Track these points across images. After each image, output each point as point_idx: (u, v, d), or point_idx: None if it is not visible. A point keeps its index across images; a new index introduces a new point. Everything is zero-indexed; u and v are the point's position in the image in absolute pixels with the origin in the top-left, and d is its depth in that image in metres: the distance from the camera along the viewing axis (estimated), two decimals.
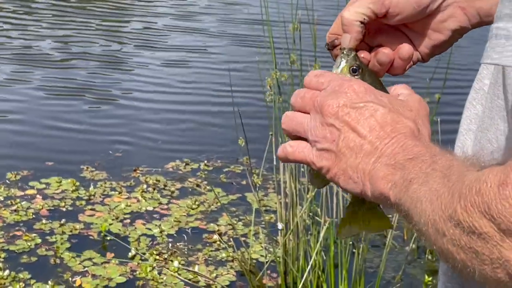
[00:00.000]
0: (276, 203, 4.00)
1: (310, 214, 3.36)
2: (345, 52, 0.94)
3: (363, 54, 0.98)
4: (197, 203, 4.09)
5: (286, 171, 3.25)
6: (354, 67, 0.94)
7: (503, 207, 0.65)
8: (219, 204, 4.06)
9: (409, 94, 0.92)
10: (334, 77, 0.91)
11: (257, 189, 3.40)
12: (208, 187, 4.26)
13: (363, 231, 0.98)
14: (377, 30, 1.01)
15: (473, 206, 0.67)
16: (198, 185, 4.30)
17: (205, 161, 4.58)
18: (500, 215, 0.65)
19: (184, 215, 3.98)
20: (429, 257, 3.65)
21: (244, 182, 4.32)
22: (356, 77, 0.93)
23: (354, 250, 3.35)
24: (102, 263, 3.51)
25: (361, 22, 0.97)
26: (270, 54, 3.16)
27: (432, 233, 0.73)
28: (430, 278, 3.42)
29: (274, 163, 3.31)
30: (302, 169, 3.33)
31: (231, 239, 3.73)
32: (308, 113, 0.91)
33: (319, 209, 3.40)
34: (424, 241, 0.76)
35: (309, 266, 3.19)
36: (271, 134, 3.28)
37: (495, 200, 0.66)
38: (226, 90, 5.75)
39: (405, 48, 0.99)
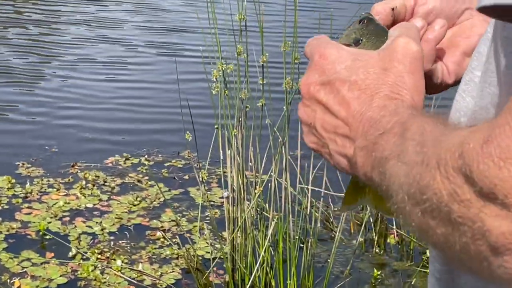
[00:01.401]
0: (221, 197, 3.92)
1: (258, 209, 3.29)
2: (363, 15, 0.89)
3: None
4: (138, 199, 3.97)
5: (233, 165, 3.16)
6: (364, 17, 0.88)
7: (486, 167, 0.56)
8: (161, 199, 3.95)
9: (392, 41, 0.82)
10: (314, 46, 0.85)
11: (202, 183, 3.31)
12: (149, 182, 4.15)
13: (369, 204, 0.91)
14: None
15: (455, 171, 0.59)
16: (139, 181, 4.19)
17: (146, 156, 4.47)
18: (483, 177, 0.57)
19: (126, 212, 3.86)
20: (377, 250, 3.62)
21: (186, 177, 4.23)
22: (362, 25, 0.87)
23: (302, 245, 3.30)
24: (41, 264, 3.37)
25: (392, 9, 0.91)
26: (215, 45, 3.07)
27: (410, 209, 0.65)
28: (379, 272, 3.39)
29: (221, 157, 3.22)
30: (250, 164, 3.25)
31: (175, 236, 3.63)
32: None
33: (266, 205, 3.33)
34: (404, 222, 0.68)
35: (257, 263, 3.12)
36: (217, 128, 3.19)
37: (477, 160, 0.57)
38: (167, 82, 5.65)
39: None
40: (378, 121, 0.75)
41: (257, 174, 3.25)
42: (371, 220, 3.66)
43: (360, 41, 0.87)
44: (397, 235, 3.65)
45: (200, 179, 3.24)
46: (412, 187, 0.64)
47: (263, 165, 3.27)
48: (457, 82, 0.94)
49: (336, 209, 3.82)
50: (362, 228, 3.56)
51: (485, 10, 0.63)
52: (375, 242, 3.62)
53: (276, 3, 6.66)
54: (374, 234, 3.63)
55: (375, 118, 0.75)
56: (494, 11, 0.62)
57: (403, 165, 0.67)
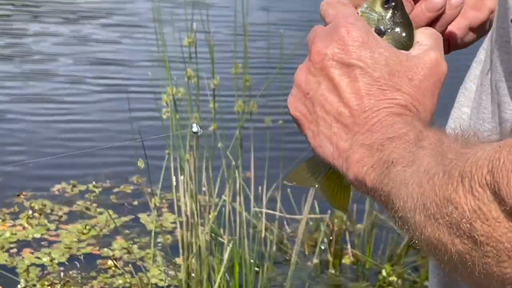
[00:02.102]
0: (172, 223, 3.85)
1: (212, 234, 3.23)
2: None
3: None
4: (88, 227, 3.88)
5: (186, 191, 3.11)
6: None
7: None
8: (111, 227, 3.87)
9: (425, 51, 0.77)
10: (341, 12, 0.78)
11: (154, 209, 3.25)
12: (98, 210, 4.06)
13: (323, 192, 0.84)
14: None
15: (482, 187, 0.55)
16: (87, 208, 4.09)
17: (93, 182, 4.37)
18: None
19: (75, 241, 3.76)
20: (332, 271, 3.59)
21: (136, 203, 4.15)
22: (387, 11, 0.80)
23: (258, 269, 3.26)
24: None
25: None
26: (165, 69, 3.02)
27: (421, 221, 0.61)
28: None
29: (173, 183, 3.17)
30: (203, 189, 3.20)
31: (127, 264, 3.55)
32: None
33: (221, 229, 3.28)
34: (407, 231, 0.64)
35: None
36: (168, 153, 3.14)
37: (508, 177, 0.53)
38: (116, 108, 5.55)
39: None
40: (390, 125, 0.71)
41: (210, 199, 3.20)
42: (326, 241, 3.64)
43: (383, 34, 0.79)
44: (352, 255, 3.63)
45: (152, 205, 3.17)
46: (428, 198, 0.60)
47: (216, 189, 3.23)
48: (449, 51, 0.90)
49: (290, 231, 3.79)
50: (317, 249, 3.54)
51: None
52: (331, 263, 3.60)
53: (225, 26, 6.64)
54: (329, 255, 3.60)
55: (387, 121, 0.71)
56: None
57: (416, 173, 0.63)
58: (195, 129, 2.81)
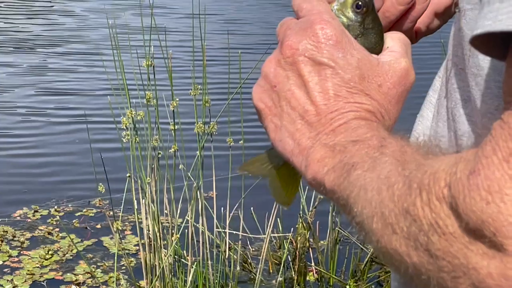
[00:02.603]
0: (135, 245, 3.83)
1: (176, 256, 3.23)
2: None
3: None
4: (50, 252, 3.84)
5: (148, 213, 3.10)
6: (360, 3, 0.79)
7: (473, 201, 0.52)
8: (74, 251, 3.83)
9: (396, 59, 0.76)
10: (316, 7, 0.76)
11: (116, 233, 3.23)
12: (61, 234, 4.02)
13: (272, 182, 0.83)
14: None
15: (439, 201, 0.54)
16: (49, 233, 4.05)
17: (55, 207, 4.33)
18: (469, 211, 0.52)
19: (38, 267, 3.72)
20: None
21: (99, 226, 4.12)
22: (358, 15, 0.78)
23: None
24: None
25: None
26: (124, 92, 3.02)
27: (378, 229, 0.60)
28: None
29: (135, 206, 3.16)
30: (165, 210, 3.20)
31: None
32: None
33: (184, 251, 3.28)
34: (365, 237, 0.63)
35: None
36: (129, 176, 3.13)
37: (464, 192, 0.53)
38: (76, 131, 5.51)
39: None
40: (354, 129, 0.70)
41: (173, 220, 3.20)
42: (290, 259, 3.65)
43: (355, 39, 0.78)
44: (316, 272, 3.65)
45: (114, 229, 3.15)
46: (386, 207, 0.59)
47: (178, 210, 3.22)
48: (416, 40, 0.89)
49: (254, 249, 3.79)
50: (281, 267, 3.54)
51: (477, 43, 0.58)
52: (295, 280, 3.60)
53: (183, 51, 6.64)
54: (293, 273, 3.61)
55: (352, 125, 0.71)
56: (486, 43, 0.57)
57: (376, 180, 0.62)
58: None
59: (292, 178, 0.81)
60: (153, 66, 2.95)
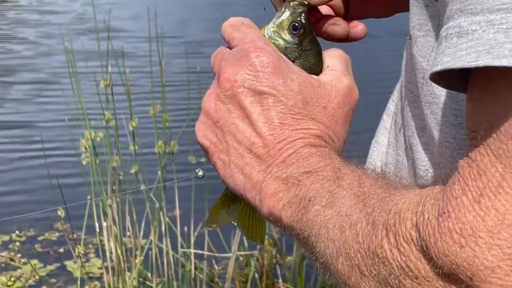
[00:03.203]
0: (99, 268, 3.77)
1: (140, 278, 3.18)
2: (293, 4, 0.76)
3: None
4: (12, 279, 3.76)
5: (110, 236, 3.05)
6: (296, 24, 0.75)
7: (446, 245, 0.50)
8: (37, 277, 3.76)
9: (337, 78, 0.74)
10: (248, 35, 0.73)
11: (78, 257, 3.17)
12: (23, 260, 3.95)
13: (239, 225, 0.80)
14: None
15: (408, 243, 0.52)
16: (11, 259, 3.97)
17: (17, 231, 4.25)
18: (442, 256, 0.50)
19: None
20: None
21: (62, 250, 4.05)
22: (295, 37, 0.75)
23: None
24: None
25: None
26: (82, 114, 2.97)
27: (344, 270, 0.58)
28: None
29: (96, 229, 3.10)
30: (128, 232, 3.15)
31: None
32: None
33: (149, 273, 3.23)
34: (330, 277, 0.60)
35: None
36: (90, 199, 3.07)
37: (434, 235, 0.51)
38: (34, 156, 5.42)
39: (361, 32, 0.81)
40: (306, 158, 0.68)
41: (136, 242, 3.15)
42: (257, 276, 3.61)
43: (292, 61, 0.75)
44: None
45: (76, 253, 3.10)
46: (351, 247, 0.57)
47: (142, 232, 3.17)
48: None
49: (220, 268, 3.75)
50: (248, 285, 3.51)
51: (437, 78, 0.56)
52: None
53: (142, 65, 6.60)
54: None
55: (303, 154, 0.69)
56: (445, 78, 0.56)
57: (337, 217, 0.60)
58: (200, 173, 2.76)
59: (254, 216, 0.79)
60: (111, 87, 2.91)
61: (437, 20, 0.66)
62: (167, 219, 3.12)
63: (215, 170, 0.74)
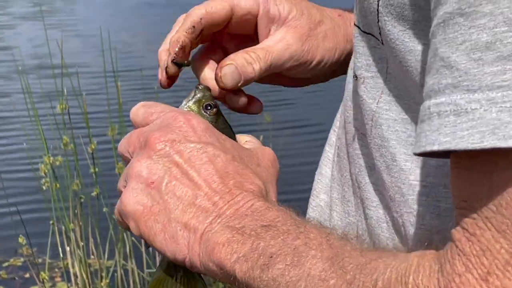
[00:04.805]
0: None
1: None
2: (201, 88, 0.78)
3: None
4: None
5: (74, 260, 3.03)
6: (210, 104, 0.77)
7: None
8: None
9: (259, 146, 0.75)
10: (169, 109, 0.73)
11: (42, 284, 3.15)
12: None
13: None
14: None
15: None
16: None
17: None
18: None
19: None
20: None
21: (27, 275, 4.01)
22: (210, 116, 0.77)
23: None
24: None
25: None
26: (39, 138, 2.95)
27: None
28: None
29: (60, 253, 3.08)
30: (92, 256, 3.13)
31: None
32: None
33: None
34: None
35: None
36: (52, 223, 3.05)
37: None
38: None
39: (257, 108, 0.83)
40: (261, 211, 0.64)
41: (101, 264, 3.13)
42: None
43: None
44: None
45: (41, 279, 3.07)
46: None
47: (106, 253, 3.16)
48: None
49: None
50: None
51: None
52: None
53: (99, 89, 6.55)
54: None
55: (256, 206, 0.65)
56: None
57: (307, 279, 0.56)
58: None
59: (193, 282, 0.74)
60: (68, 110, 2.90)
61: (386, 62, 0.65)
62: (132, 238, 3.11)
63: (148, 240, 0.68)
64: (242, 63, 0.77)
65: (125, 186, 0.71)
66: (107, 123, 3.09)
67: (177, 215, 0.66)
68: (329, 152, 0.82)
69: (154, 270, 3.27)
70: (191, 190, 0.67)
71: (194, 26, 0.77)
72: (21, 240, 2.67)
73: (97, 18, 8.88)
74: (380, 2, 0.60)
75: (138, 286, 3.14)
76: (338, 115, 0.81)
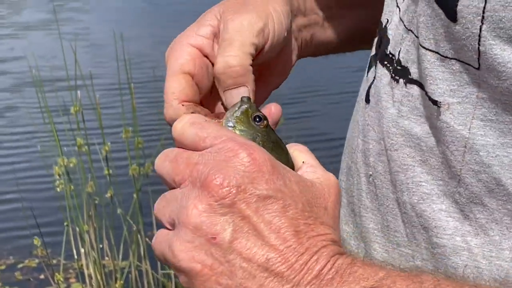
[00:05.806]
0: None
1: None
2: (245, 100, 0.68)
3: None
4: None
5: (89, 261, 3.04)
6: (259, 116, 0.67)
7: None
8: None
9: (323, 175, 0.65)
10: (225, 135, 0.62)
11: (58, 283, 3.16)
12: None
13: None
14: None
15: None
16: None
17: None
18: None
19: None
20: None
21: (42, 276, 4.03)
22: (260, 127, 0.67)
23: None
24: None
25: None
26: (53, 140, 2.96)
27: None
28: None
29: (74, 254, 3.09)
30: (106, 257, 3.14)
31: None
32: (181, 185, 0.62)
33: None
34: None
35: None
36: (67, 225, 3.07)
37: None
38: (5, 184, 5.39)
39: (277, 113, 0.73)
40: (347, 272, 0.58)
41: (116, 264, 3.14)
42: None
43: None
44: None
45: (56, 280, 3.09)
46: None
47: (121, 255, 3.17)
48: None
49: None
50: None
51: None
52: None
53: (111, 94, 6.57)
54: None
55: (339, 265, 0.59)
56: None
57: None
58: None
59: None
60: (82, 112, 2.91)
61: (477, 87, 0.63)
62: (146, 239, 3.12)
63: None
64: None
65: (172, 224, 0.63)
66: (121, 126, 3.10)
67: (244, 281, 0.58)
68: (342, 181, 0.79)
69: (169, 271, 3.28)
70: (262, 251, 0.58)
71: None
72: (36, 241, 2.68)
73: (109, 25, 8.89)
74: (484, 27, 0.58)
75: (153, 287, 3.15)
76: (351, 142, 0.78)
